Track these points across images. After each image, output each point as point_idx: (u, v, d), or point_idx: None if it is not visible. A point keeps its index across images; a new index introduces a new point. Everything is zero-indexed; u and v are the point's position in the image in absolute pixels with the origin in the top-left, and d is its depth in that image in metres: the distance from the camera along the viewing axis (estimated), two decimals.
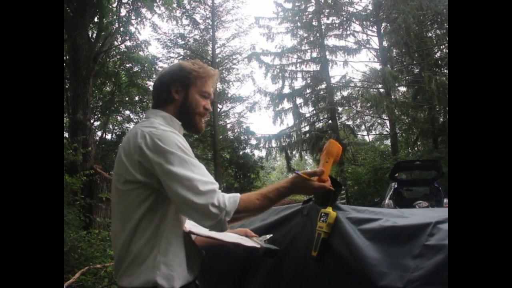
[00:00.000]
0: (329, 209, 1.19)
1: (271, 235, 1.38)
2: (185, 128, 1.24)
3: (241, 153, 17.77)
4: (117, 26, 8.47)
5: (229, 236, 1.30)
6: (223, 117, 18.25)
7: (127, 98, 14.74)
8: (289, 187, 1.14)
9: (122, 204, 1.09)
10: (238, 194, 1.08)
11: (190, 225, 1.23)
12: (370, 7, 15.92)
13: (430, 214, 1.17)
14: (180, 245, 1.13)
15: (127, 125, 16.43)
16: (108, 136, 16.12)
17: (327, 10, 16.34)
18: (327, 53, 16.42)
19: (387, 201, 7.66)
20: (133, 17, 8.96)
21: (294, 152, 17.37)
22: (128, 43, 11.79)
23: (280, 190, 1.13)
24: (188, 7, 16.62)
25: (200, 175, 1.04)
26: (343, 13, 16.22)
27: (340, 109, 18.03)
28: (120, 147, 1.13)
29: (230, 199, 1.05)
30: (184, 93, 1.21)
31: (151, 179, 1.05)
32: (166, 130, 1.08)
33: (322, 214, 1.19)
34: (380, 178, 12.91)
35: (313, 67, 17.22)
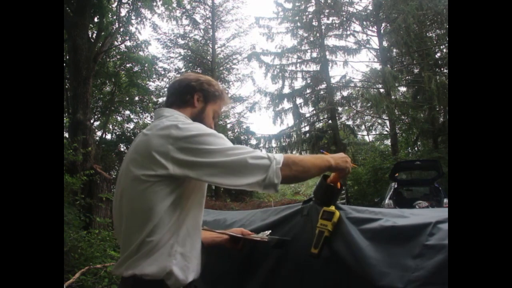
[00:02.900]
0: (333, 208, 1.20)
1: (270, 231, 1.38)
2: None
3: None
4: (117, 26, 8.48)
5: (231, 233, 1.30)
6: (223, 117, 18.26)
7: (127, 98, 14.73)
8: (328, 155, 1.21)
9: (146, 196, 1.04)
10: None
11: None
12: (370, 7, 15.92)
13: (430, 214, 1.17)
14: (197, 238, 1.15)
15: (127, 125, 16.45)
16: (108, 136, 16.14)
17: (327, 10, 16.34)
18: (327, 53, 16.42)
19: (387, 201, 7.67)
20: (133, 17, 8.97)
21: (294, 152, 17.36)
22: (128, 43, 11.79)
23: (320, 154, 1.21)
24: (188, 7, 16.64)
25: (230, 143, 1.09)
26: (343, 13, 16.22)
27: (340, 109, 18.04)
28: (144, 141, 1.10)
29: (276, 153, 1.10)
30: (203, 105, 1.27)
31: (184, 168, 1.03)
32: (193, 122, 1.13)
33: (326, 212, 1.19)
34: (380, 178, 12.91)
35: (313, 67, 17.24)
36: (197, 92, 1.26)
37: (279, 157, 1.07)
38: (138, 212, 1.07)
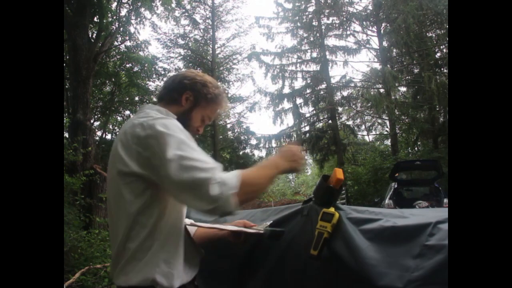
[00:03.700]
0: (332, 209, 1.20)
1: (271, 221, 1.37)
2: None
3: (241, 153, 17.81)
4: (117, 26, 8.48)
5: (230, 227, 1.27)
6: (223, 117, 18.25)
7: (127, 98, 14.73)
8: (275, 154, 1.14)
9: (118, 198, 1.04)
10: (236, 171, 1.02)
11: (186, 221, 1.20)
12: (370, 7, 15.94)
13: (430, 214, 1.17)
14: (180, 242, 1.10)
15: None
16: (108, 136, 16.11)
17: (327, 10, 16.35)
18: (327, 53, 16.44)
19: (387, 201, 7.67)
20: (132, 17, 8.97)
21: None
22: (128, 43, 11.80)
23: (269, 158, 1.13)
24: (188, 7, 16.64)
25: (200, 155, 0.98)
26: (343, 13, 16.24)
27: (340, 109, 18.06)
28: (115, 141, 1.08)
29: (229, 174, 0.98)
30: (192, 105, 1.20)
31: (148, 170, 0.99)
32: (164, 118, 1.06)
33: (326, 214, 1.19)
34: (380, 178, 12.93)
35: (313, 67, 17.27)
36: (187, 91, 1.19)
37: (234, 180, 0.96)
38: (115, 215, 1.07)
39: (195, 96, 1.20)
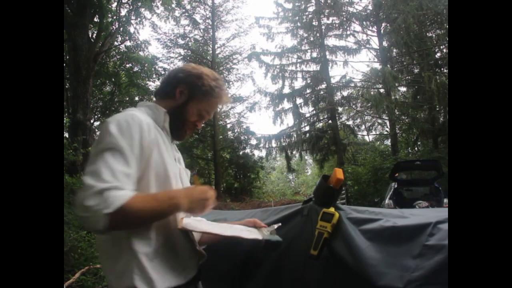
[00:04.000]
0: (332, 209, 1.20)
1: (279, 224, 1.31)
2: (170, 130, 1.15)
3: (241, 153, 17.81)
4: (117, 26, 8.48)
5: (231, 230, 1.20)
6: (223, 117, 18.26)
7: (127, 98, 14.74)
8: (184, 189, 1.07)
9: None
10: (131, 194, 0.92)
11: (188, 220, 1.13)
12: (370, 7, 15.94)
13: (430, 214, 1.17)
14: (164, 246, 1.04)
15: None
16: None
17: (327, 10, 16.35)
18: (327, 53, 16.44)
19: (387, 201, 7.67)
20: (132, 17, 8.97)
21: (294, 152, 17.41)
22: (128, 43, 11.81)
23: (174, 192, 1.04)
24: (188, 7, 16.65)
25: (117, 166, 0.91)
26: (343, 13, 16.23)
27: (340, 109, 18.05)
28: None
29: (119, 193, 0.89)
30: (186, 99, 1.14)
31: None
32: (129, 113, 1.01)
33: (326, 214, 1.19)
34: (380, 178, 12.92)
35: (313, 67, 17.26)
36: (181, 85, 1.14)
37: (113, 203, 0.86)
38: None
39: (189, 89, 1.14)
